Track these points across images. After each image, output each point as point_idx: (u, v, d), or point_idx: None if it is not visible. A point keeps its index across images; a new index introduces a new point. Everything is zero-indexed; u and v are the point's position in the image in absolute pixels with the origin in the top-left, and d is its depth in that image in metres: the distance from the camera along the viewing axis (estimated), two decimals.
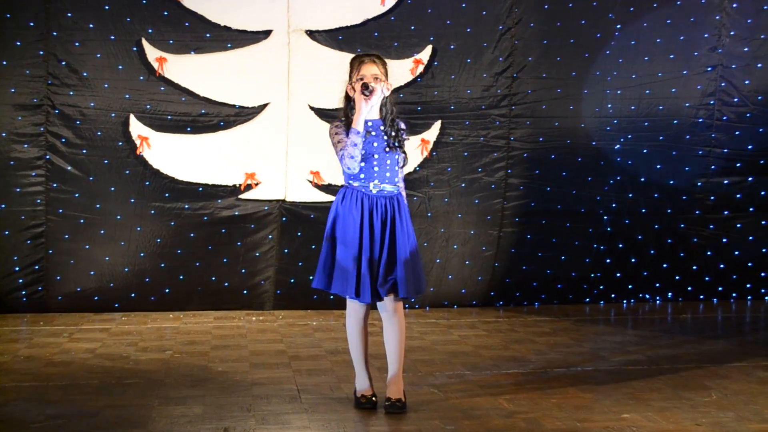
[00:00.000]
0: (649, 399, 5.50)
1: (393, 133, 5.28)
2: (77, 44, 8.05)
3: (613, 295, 9.03)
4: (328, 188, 8.42)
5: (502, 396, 5.59)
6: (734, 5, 8.79)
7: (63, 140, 8.10)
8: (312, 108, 8.37)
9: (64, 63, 8.04)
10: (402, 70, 8.32)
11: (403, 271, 5.18)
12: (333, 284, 5.28)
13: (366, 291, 5.16)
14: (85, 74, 8.08)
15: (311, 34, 8.35)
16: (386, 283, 5.18)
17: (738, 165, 8.95)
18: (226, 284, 8.45)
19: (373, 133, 5.26)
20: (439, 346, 7.08)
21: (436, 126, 8.55)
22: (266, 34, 8.31)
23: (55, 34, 8.01)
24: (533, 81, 8.66)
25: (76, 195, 8.17)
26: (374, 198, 5.24)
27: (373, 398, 5.33)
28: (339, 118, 5.34)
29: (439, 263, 8.61)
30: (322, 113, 8.36)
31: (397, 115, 5.36)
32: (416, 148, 8.41)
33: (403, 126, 5.38)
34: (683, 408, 5.31)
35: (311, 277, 8.41)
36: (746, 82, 8.86)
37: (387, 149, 5.26)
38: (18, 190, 8.08)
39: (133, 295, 8.33)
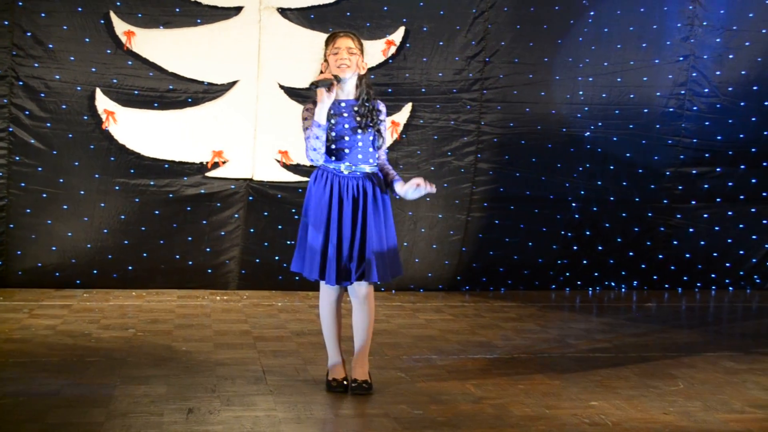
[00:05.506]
0: (616, 387, 5.49)
1: (366, 113, 5.19)
2: (43, 15, 7.89)
3: (578, 282, 9.03)
4: (297, 168, 8.34)
5: (470, 381, 5.56)
6: None
7: (27, 113, 7.94)
8: (282, 87, 8.28)
9: (29, 34, 7.88)
10: (374, 51, 8.24)
11: (375, 254, 5.10)
12: (303, 266, 5.22)
13: (332, 274, 5.09)
14: (50, 46, 7.92)
15: (283, 11, 8.24)
16: (358, 268, 5.11)
17: (707, 155, 8.98)
18: (190, 263, 8.35)
19: (345, 114, 5.17)
20: (405, 330, 7.04)
21: (407, 108, 8.49)
22: (237, 10, 8.18)
23: (20, 4, 7.83)
24: (505, 66, 8.61)
25: (39, 169, 8.02)
26: (345, 179, 5.15)
27: (344, 381, 5.27)
28: (312, 99, 5.17)
29: (406, 246, 8.56)
30: (292, 92, 8.26)
31: (374, 96, 5.26)
32: (386, 130, 8.34)
33: (380, 107, 5.27)
34: (651, 396, 5.30)
35: (277, 258, 8.42)
36: (717, 72, 8.88)
37: (358, 130, 5.16)
38: None
39: (95, 271, 8.20)
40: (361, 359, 5.29)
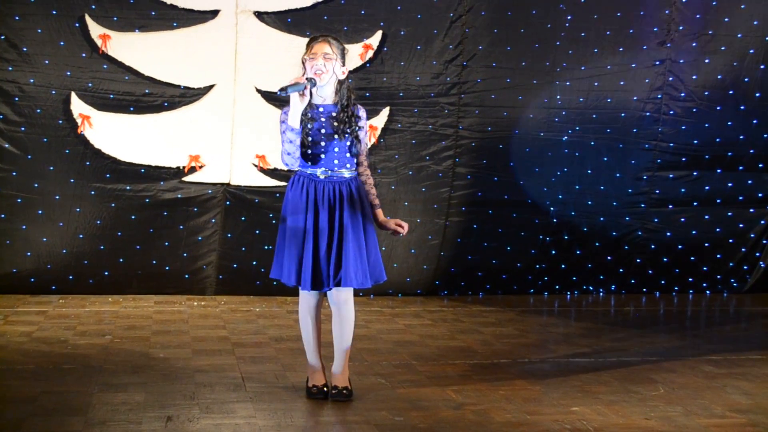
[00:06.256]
0: (597, 392, 5.48)
1: (345, 119, 5.15)
2: (17, 18, 7.81)
3: (557, 287, 9.03)
4: (274, 172, 8.30)
5: (450, 387, 5.53)
6: (684, 0, 8.81)
7: (1, 117, 7.86)
8: (259, 91, 8.23)
9: (3, 37, 7.79)
10: (351, 55, 8.18)
11: (352, 259, 5.07)
12: (281, 273, 5.17)
13: (307, 279, 5.05)
14: (25, 49, 7.84)
15: (260, 15, 8.20)
16: (336, 273, 5.07)
17: (683, 159, 9.00)
18: (167, 268, 8.28)
19: (322, 119, 5.13)
20: (385, 335, 7.01)
21: (385, 112, 8.47)
22: (213, 14, 8.13)
23: None
24: (483, 70, 8.61)
25: (14, 173, 7.94)
26: (322, 184, 5.11)
27: (325, 388, 5.24)
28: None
29: (384, 251, 8.50)
30: (269, 96, 8.22)
31: (354, 102, 5.23)
32: (366, 135, 8.32)
33: (360, 113, 5.23)
34: (631, 402, 5.30)
35: (255, 263, 8.37)
36: (693, 77, 8.90)
37: (335, 136, 5.12)
38: None
39: (71, 277, 8.12)
40: (341, 365, 5.25)
